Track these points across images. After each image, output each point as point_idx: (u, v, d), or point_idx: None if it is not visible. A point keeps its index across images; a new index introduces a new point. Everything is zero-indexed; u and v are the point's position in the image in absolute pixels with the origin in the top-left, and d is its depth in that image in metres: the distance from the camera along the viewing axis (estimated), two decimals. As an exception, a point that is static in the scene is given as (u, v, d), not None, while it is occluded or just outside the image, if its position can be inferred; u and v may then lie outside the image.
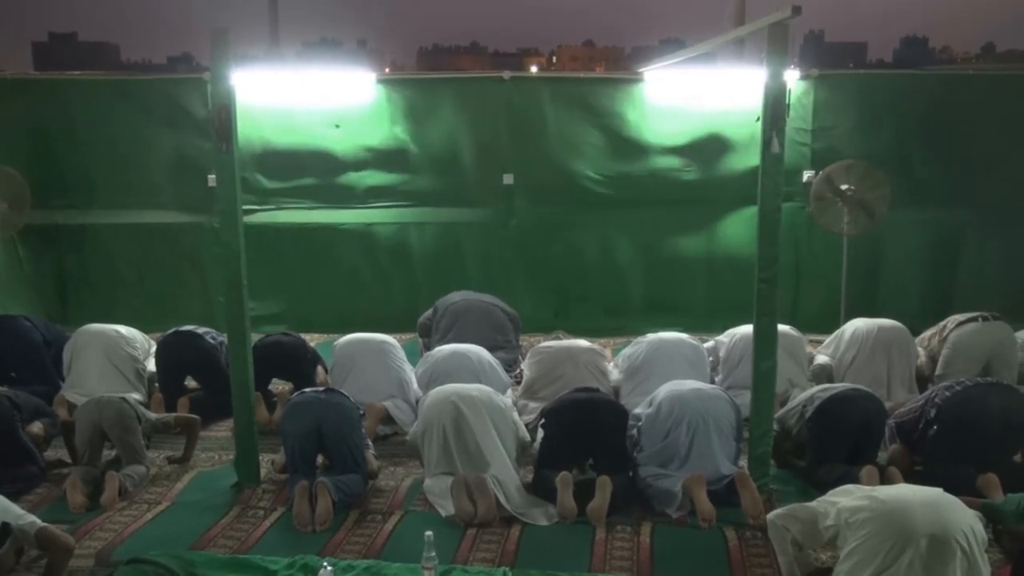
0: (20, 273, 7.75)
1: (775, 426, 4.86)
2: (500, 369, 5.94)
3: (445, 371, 5.62)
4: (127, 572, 3.57)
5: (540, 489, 4.62)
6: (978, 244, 8.00)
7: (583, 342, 6.21)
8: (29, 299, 7.60)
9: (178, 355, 6.15)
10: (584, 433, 4.70)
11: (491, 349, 6.19)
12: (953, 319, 6.17)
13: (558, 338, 6.48)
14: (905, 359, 5.96)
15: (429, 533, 3.72)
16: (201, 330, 6.25)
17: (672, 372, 5.54)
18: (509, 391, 5.89)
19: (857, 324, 6.19)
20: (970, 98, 7.97)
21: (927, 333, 6.34)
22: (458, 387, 4.97)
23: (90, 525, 4.46)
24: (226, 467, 5.14)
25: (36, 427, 5.16)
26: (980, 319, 6.05)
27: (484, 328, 6.67)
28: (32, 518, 3.90)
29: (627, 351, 6.14)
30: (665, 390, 4.91)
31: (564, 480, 4.49)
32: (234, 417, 4.96)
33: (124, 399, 5.09)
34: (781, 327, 5.03)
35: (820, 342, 6.60)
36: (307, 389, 5.07)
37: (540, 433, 4.88)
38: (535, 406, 5.56)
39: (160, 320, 7.11)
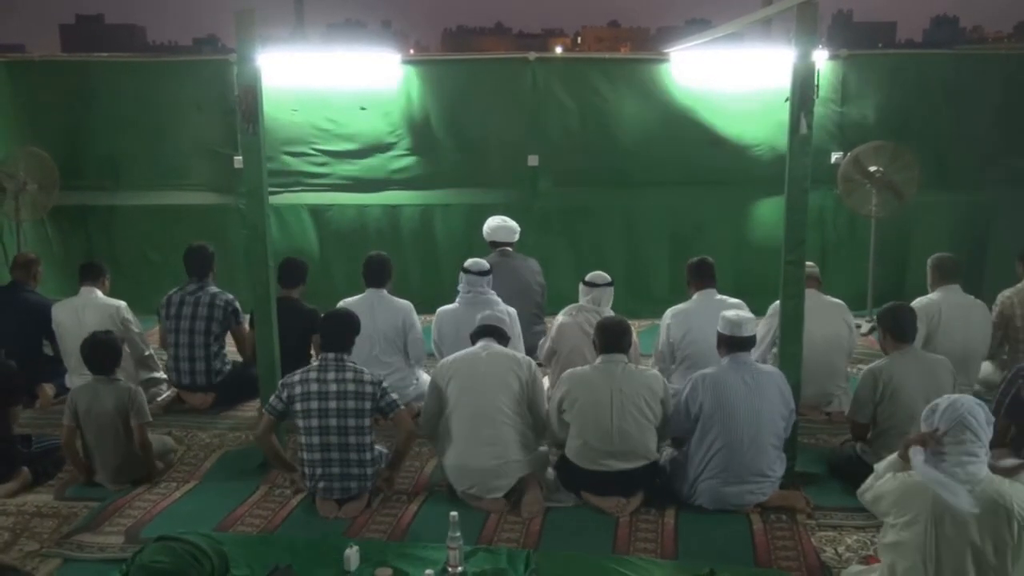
0: (49, 254, 7.81)
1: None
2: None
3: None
4: (156, 549, 3.62)
5: (563, 482, 4.60)
6: (1008, 226, 7.88)
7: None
8: (58, 280, 7.67)
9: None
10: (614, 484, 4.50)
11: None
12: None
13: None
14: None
15: (454, 514, 3.75)
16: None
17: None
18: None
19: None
20: (1001, 78, 7.85)
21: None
22: (473, 371, 4.61)
23: (120, 503, 4.52)
24: (253, 446, 5.16)
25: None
26: None
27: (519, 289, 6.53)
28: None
29: (674, 330, 5.69)
30: (711, 402, 4.38)
31: (585, 497, 4.50)
32: (261, 397, 4.99)
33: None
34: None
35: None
36: None
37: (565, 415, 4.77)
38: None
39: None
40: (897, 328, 4.72)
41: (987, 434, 3.15)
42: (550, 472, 4.70)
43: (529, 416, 4.58)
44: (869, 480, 3.47)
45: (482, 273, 5.83)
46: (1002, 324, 5.81)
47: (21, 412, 5.08)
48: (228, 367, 6.06)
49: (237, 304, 6.02)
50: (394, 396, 4.51)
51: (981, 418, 3.14)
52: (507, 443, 4.44)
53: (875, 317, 5.23)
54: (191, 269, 6.01)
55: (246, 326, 6.07)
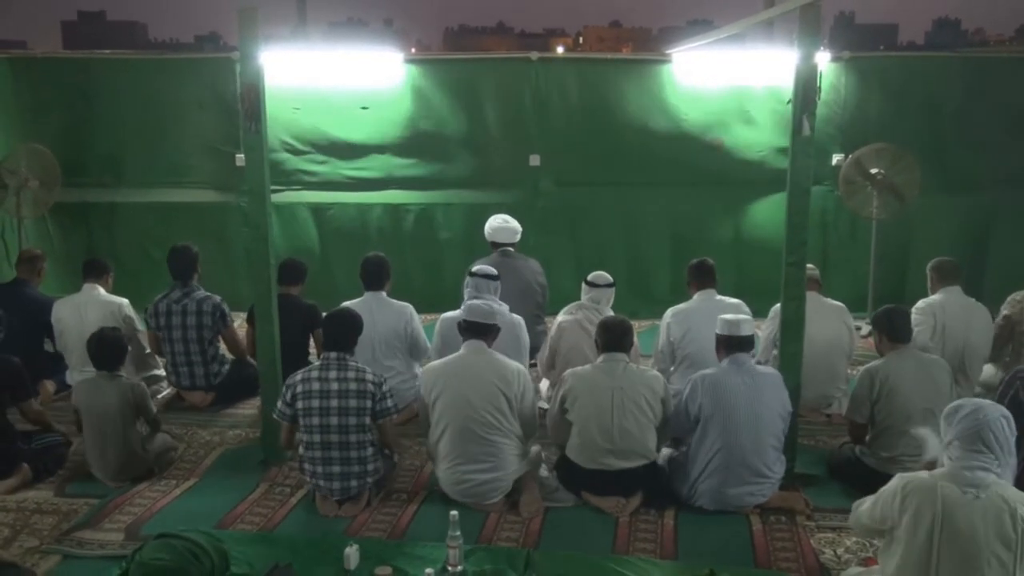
0: (51, 250, 7.80)
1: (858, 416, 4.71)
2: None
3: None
4: (156, 546, 3.62)
5: (563, 482, 4.59)
6: (1010, 229, 7.90)
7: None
8: (59, 276, 7.67)
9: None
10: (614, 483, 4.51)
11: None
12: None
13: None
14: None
15: (454, 513, 3.75)
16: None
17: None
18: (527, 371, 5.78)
19: None
20: (1003, 81, 7.86)
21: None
22: (460, 385, 4.49)
23: (120, 500, 4.52)
24: (253, 444, 5.18)
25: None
26: None
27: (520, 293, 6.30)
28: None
29: (674, 330, 5.68)
30: (710, 403, 4.37)
31: (585, 497, 4.50)
32: (261, 395, 5.00)
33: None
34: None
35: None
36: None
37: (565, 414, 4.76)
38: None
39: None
40: (892, 329, 4.74)
41: (1004, 449, 3.04)
42: (545, 471, 4.70)
43: (519, 427, 4.51)
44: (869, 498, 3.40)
45: (489, 278, 5.55)
46: (1008, 326, 5.74)
47: (36, 404, 5.03)
48: (226, 367, 6.05)
49: (225, 307, 5.97)
50: (390, 403, 4.49)
51: (1001, 432, 3.03)
52: (499, 457, 4.41)
53: (870, 320, 5.24)
54: (175, 272, 5.93)
55: (234, 327, 6.09)
